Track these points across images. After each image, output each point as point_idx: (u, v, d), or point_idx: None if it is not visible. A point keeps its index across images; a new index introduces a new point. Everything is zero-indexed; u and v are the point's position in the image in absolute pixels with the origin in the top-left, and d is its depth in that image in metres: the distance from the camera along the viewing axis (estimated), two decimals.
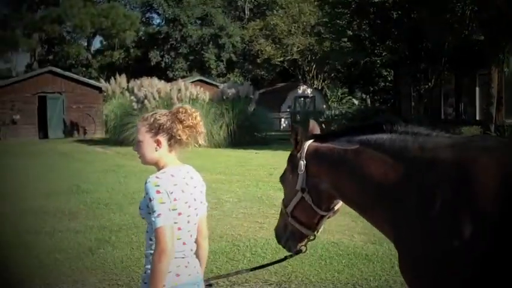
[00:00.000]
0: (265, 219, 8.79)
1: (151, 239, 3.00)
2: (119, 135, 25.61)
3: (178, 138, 3.07)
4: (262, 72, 50.04)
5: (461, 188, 2.61)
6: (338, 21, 29.12)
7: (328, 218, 3.46)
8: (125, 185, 13.02)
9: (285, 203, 3.47)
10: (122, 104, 28.12)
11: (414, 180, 2.84)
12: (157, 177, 2.97)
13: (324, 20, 32.45)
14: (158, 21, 62.91)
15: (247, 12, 54.24)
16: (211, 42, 48.91)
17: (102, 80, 35.91)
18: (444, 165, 2.74)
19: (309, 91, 43.23)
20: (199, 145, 3.20)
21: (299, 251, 3.61)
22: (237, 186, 12.38)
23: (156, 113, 3.14)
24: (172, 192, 2.94)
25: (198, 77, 42.23)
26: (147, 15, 58.32)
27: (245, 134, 25.72)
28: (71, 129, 35.82)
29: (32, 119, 34.36)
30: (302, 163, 3.32)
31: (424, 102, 27.76)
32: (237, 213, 9.42)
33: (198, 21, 50.71)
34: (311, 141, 3.40)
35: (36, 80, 35.43)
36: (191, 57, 49.93)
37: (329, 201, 3.38)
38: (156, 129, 3.07)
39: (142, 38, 54.26)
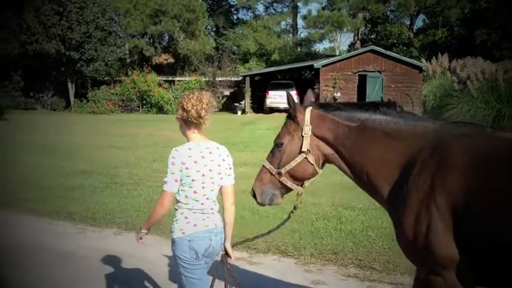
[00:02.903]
0: None
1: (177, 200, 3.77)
2: (437, 117, 24.81)
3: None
4: None
5: (438, 168, 3.15)
6: None
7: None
8: None
9: (280, 163, 3.83)
10: (442, 85, 27.10)
11: (406, 159, 3.38)
12: (176, 150, 3.67)
13: None
14: None
15: None
16: None
17: (422, 60, 35.18)
18: (428, 148, 3.28)
19: None
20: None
21: (296, 207, 4.10)
22: None
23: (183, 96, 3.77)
24: (184, 163, 3.62)
25: None
26: None
27: None
28: None
29: (352, 96, 35.52)
30: (308, 127, 3.74)
31: None
32: None
33: None
34: (311, 108, 3.81)
35: (358, 58, 36.60)
36: None
37: (325, 163, 3.88)
38: (176, 110, 3.79)
39: (468, 15, 51.52)
